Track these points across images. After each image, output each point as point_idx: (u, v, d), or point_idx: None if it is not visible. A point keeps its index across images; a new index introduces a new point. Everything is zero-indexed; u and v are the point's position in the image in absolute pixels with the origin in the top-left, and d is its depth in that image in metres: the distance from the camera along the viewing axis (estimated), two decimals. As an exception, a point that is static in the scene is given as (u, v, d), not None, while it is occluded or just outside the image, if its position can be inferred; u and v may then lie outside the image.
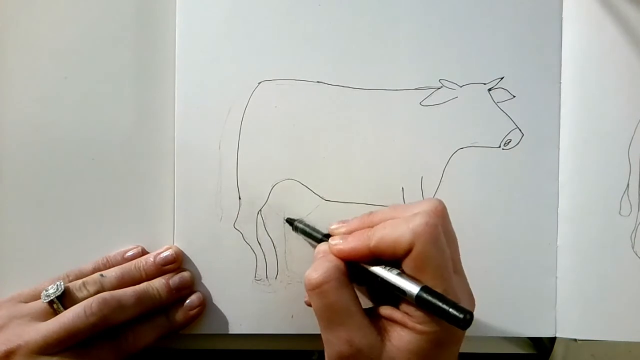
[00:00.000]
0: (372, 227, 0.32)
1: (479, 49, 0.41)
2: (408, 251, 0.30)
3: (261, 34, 0.40)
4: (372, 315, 0.32)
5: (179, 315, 0.39)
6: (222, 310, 0.40)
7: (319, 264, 0.31)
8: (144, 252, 0.40)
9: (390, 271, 0.31)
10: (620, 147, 0.41)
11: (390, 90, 0.40)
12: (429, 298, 0.29)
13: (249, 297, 0.40)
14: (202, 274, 0.40)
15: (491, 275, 0.41)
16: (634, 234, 0.41)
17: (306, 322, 0.40)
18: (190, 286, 0.40)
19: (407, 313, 0.30)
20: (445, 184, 0.40)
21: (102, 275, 0.38)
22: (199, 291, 0.40)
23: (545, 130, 0.41)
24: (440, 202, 0.32)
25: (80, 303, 0.35)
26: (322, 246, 0.34)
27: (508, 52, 0.41)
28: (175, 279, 0.39)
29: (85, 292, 0.37)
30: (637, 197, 0.41)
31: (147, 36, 0.40)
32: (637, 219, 0.41)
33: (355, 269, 0.32)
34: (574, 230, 0.41)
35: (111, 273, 0.38)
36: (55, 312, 0.36)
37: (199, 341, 0.41)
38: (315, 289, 0.31)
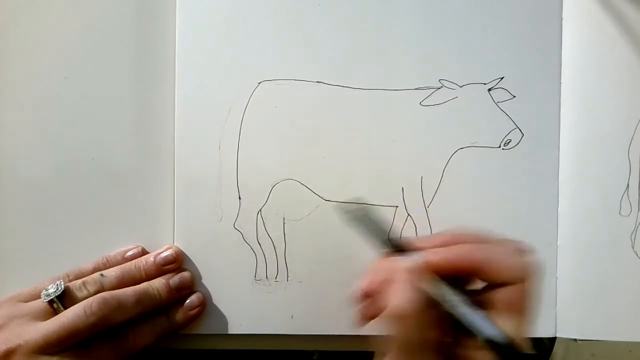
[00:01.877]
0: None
1: (479, 49, 0.41)
2: (509, 282, 0.28)
3: (261, 34, 0.40)
4: (446, 349, 0.29)
5: (179, 315, 0.39)
6: (222, 310, 0.40)
7: (399, 288, 0.28)
8: (144, 252, 0.40)
9: (469, 306, 0.28)
10: (620, 147, 0.41)
11: (390, 90, 0.40)
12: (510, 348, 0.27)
13: (249, 297, 0.40)
14: (202, 274, 0.40)
15: (491, 275, 0.41)
16: (634, 234, 0.41)
17: (306, 322, 0.40)
18: (190, 286, 0.40)
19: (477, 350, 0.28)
20: (445, 184, 0.40)
21: (102, 275, 0.38)
22: (199, 291, 0.40)
23: (545, 130, 0.41)
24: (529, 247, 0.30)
25: (80, 303, 0.35)
26: (411, 267, 0.29)
27: (508, 52, 0.41)
28: (175, 279, 0.39)
29: (85, 292, 0.37)
30: (637, 197, 0.41)
31: (147, 36, 0.40)
32: (637, 218, 0.41)
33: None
34: (574, 230, 0.41)
35: (111, 273, 0.38)
36: (55, 312, 0.36)
37: (199, 341, 0.41)
38: (404, 318, 0.27)
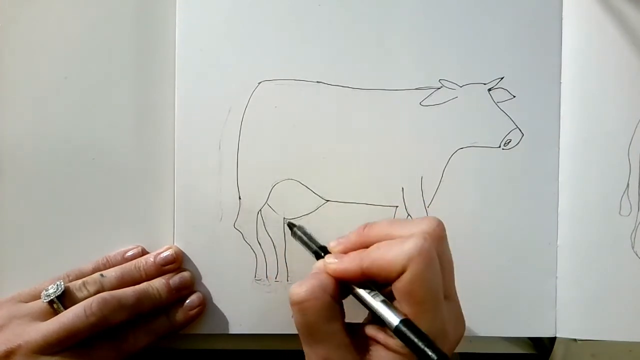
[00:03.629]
0: (368, 246, 0.32)
1: (479, 49, 0.41)
2: (400, 274, 0.29)
3: (261, 34, 0.40)
4: (357, 334, 0.32)
5: (179, 315, 0.39)
6: (222, 310, 0.40)
7: (306, 280, 0.31)
8: (144, 252, 0.40)
9: (376, 297, 0.31)
10: (620, 146, 0.41)
11: (390, 90, 0.40)
12: (407, 333, 0.29)
13: (249, 297, 0.40)
14: (202, 274, 0.40)
15: (491, 275, 0.41)
16: (634, 234, 0.41)
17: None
18: (190, 286, 0.40)
19: (391, 335, 0.30)
20: (445, 184, 0.40)
21: (102, 275, 0.38)
22: (199, 291, 0.40)
23: (545, 130, 0.41)
24: (439, 223, 0.31)
25: (80, 303, 0.35)
26: (319, 263, 0.33)
27: (508, 52, 0.41)
28: (175, 279, 0.39)
29: (85, 292, 0.37)
30: (637, 197, 0.41)
31: (147, 36, 0.40)
32: (637, 218, 0.41)
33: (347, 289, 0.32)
34: (574, 230, 0.41)
35: (111, 273, 0.38)
36: (55, 312, 0.36)
37: (199, 341, 0.41)
38: (296, 305, 0.31)
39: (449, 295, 0.32)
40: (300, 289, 0.31)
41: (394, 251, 0.30)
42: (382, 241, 0.31)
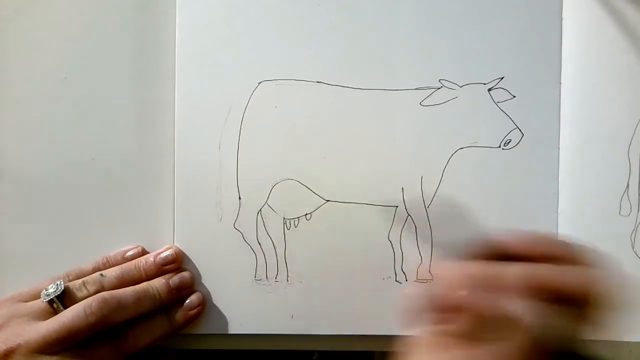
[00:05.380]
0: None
1: (479, 49, 0.41)
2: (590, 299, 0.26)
3: (261, 34, 0.40)
4: None
5: (179, 315, 0.39)
6: (222, 310, 0.40)
7: (528, 302, 0.26)
8: (144, 252, 0.40)
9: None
10: (620, 147, 0.41)
11: (390, 90, 0.40)
12: None
13: (249, 297, 0.40)
14: (202, 274, 0.40)
15: (491, 275, 0.41)
16: (634, 234, 0.41)
17: (306, 322, 0.40)
18: (190, 286, 0.40)
19: None
20: (445, 184, 0.40)
21: (102, 275, 0.38)
22: (199, 291, 0.40)
23: (545, 130, 0.41)
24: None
25: (80, 302, 0.35)
26: (515, 271, 0.27)
27: (508, 52, 0.41)
28: (175, 279, 0.39)
29: (85, 292, 0.37)
30: (637, 197, 0.41)
31: (147, 36, 0.40)
32: (637, 219, 0.41)
33: None
34: (574, 230, 0.41)
35: (111, 273, 0.38)
36: (55, 312, 0.36)
37: (199, 341, 0.41)
38: (523, 332, 0.26)
39: None
40: (525, 313, 0.25)
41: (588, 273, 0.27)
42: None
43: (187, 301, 0.39)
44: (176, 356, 0.41)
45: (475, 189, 0.41)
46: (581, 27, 0.41)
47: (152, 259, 0.39)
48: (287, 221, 0.41)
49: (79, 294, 0.36)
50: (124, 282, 0.38)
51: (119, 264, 0.39)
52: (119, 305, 0.36)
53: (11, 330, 0.34)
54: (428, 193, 0.41)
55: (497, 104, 0.40)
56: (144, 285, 0.38)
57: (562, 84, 0.41)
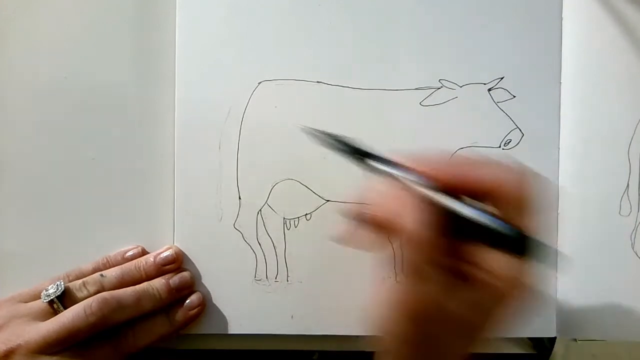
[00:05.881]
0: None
1: (479, 49, 0.40)
2: (504, 192, 0.27)
3: (261, 34, 0.40)
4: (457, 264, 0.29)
5: (179, 315, 0.39)
6: (222, 310, 0.40)
7: (411, 212, 0.27)
8: (144, 252, 0.40)
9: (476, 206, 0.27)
10: (620, 146, 0.41)
11: (390, 90, 0.40)
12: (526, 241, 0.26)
13: (249, 297, 0.40)
14: (202, 274, 0.40)
15: (491, 275, 0.41)
16: (634, 234, 0.41)
17: (306, 322, 0.40)
18: (190, 286, 0.40)
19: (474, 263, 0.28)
20: (445, 184, 0.40)
21: (102, 275, 0.38)
22: (199, 291, 0.40)
23: (545, 130, 0.41)
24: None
25: (80, 303, 0.35)
26: (416, 190, 0.28)
27: (508, 52, 0.40)
28: (175, 279, 0.39)
29: (85, 292, 0.37)
30: (637, 197, 0.41)
31: (147, 36, 0.40)
32: (637, 218, 0.41)
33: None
34: (574, 230, 0.41)
35: (111, 273, 0.38)
36: (55, 312, 0.36)
37: (199, 341, 0.41)
38: (409, 242, 0.27)
39: None
40: (417, 223, 0.27)
41: (502, 167, 0.28)
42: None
43: (187, 301, 0.39)
44: (176, 356, 0.41)
45: (475, 189, 0.41)
46: (581, 27, 0.41)
47: (152, 259, 0.39)
48: (287, 221, 0.41)
49: (79, 295, 0.36)
50: (124, 282, 0.38)
51: (119, 264, 0.39)
52: (119, 306, 0.36)
53: (11, 330, 0.34)
54: (428, 193, 0.40)
55: (497, 104, 0.40)
56: (144, 285, 0.38)
57: (562, 84, 0.41)
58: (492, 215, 0.27)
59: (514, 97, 0.40)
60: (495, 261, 0.28)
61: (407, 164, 0.29)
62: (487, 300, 0.28)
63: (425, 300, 0.28)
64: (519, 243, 0.27)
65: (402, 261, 0.28)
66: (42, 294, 0.36)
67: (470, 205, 0.28)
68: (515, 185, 0.28)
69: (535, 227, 0.28)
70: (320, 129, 0.33)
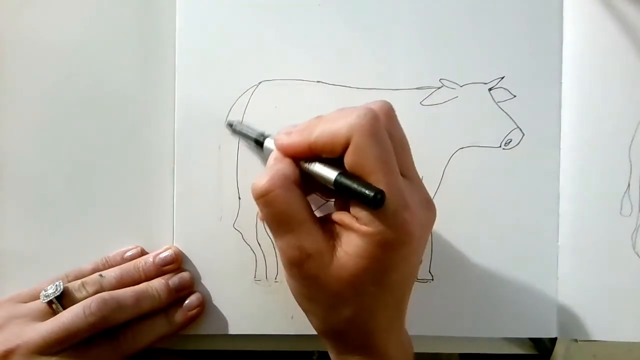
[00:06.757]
0: None
1: (479, 49, 0.40)
2: (346, 146, 0.29)
3: (261, 34, 0.40)
4: (325, 222, 0.32)
5: (179, 316, 0.39)
6: (222, 310, 0.40)
7: (265, 172, 0.30)
8: (143, 252, 0.40)
9: (325, 167, 0.30)
10: (621, 146, 0.41)
11: (390, 90, 0.40)
12: (343, 180, 0.29)
13: (249, 297, 0.40)
14: (201, 274, 0.40)
15: (492, 275, 0.41)
16: (634, 234, 0.41)
17: (306, 323, 0.40)
18: (190, 286, 0.39)
19: (355, 216, 0.30)
20: (445, 184, 0.40)
21: (101, 275, 0.38)
22: (199, 291, 0.40)
23: (546, 130, 0.41)
24: (386, 103, 0.32)
25: (79, 303, 0.35)
26: (275, 153, 0.32)
27: (508, 52, 0.40)
28: (174, 280, 0.39)
29: (84, 293, 0.37)
30: (638, 197, 0.41)
31: (147, 36, 0.40)
32: (638, 219, 0.41)
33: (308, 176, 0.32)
34: (575, 230, 0.41)
35: (110, 273, 0.38)
36: (55, 312, 0.36)
37: (199, 341, 0.41)
38: (261, 197, 0.30)
39: (408, 175, 0.32)
40: (261, 181, 0.30)
41: (340, 122, 0.29)
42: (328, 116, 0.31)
43: (186, 302, 0.39)
44: (176, 356, 0.41)
45: (475, 189, 0.41)
46: (581, 27, 0.41)
47: (151, 260, 0.39)
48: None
49: (78, 295, 0.36)
50: (123, 282, 0.38)
51: (118, 265, 0.39)
52: (119, 306, 0.36)
53: (10, 331, 0.34)
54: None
55: (498, 103, 0.40)
56: (143, 285, 0.38)
57: (562, 84, 0.41)
58: (341, 173, 0.29)
59: (515, 96, 0.40)
60: (359, 212, 0.30)
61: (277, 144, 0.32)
62: (363, 245, 0.30)
63: (300, 254, 0.30)
64: (339, 185, 0.29)
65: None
66: (41, 294, 0.36)
67: (324, 165, 0.31)
68: (359, 131, 0.29)
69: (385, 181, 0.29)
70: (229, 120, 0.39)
